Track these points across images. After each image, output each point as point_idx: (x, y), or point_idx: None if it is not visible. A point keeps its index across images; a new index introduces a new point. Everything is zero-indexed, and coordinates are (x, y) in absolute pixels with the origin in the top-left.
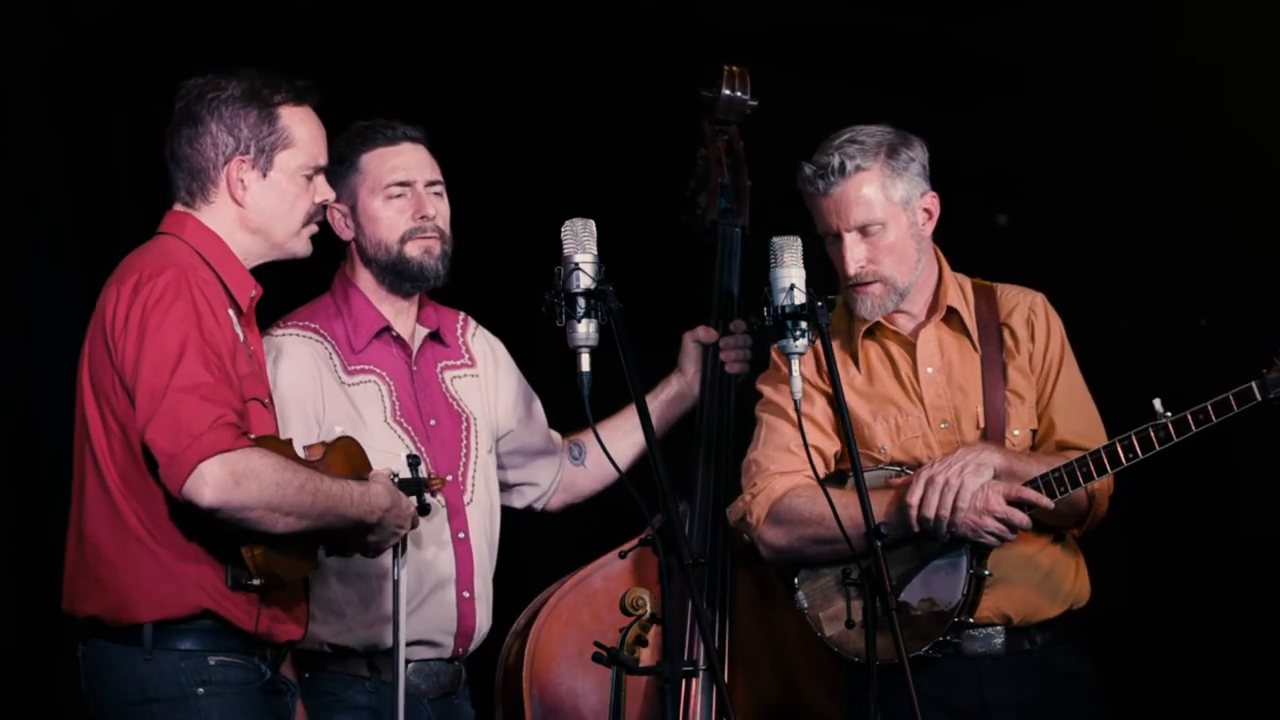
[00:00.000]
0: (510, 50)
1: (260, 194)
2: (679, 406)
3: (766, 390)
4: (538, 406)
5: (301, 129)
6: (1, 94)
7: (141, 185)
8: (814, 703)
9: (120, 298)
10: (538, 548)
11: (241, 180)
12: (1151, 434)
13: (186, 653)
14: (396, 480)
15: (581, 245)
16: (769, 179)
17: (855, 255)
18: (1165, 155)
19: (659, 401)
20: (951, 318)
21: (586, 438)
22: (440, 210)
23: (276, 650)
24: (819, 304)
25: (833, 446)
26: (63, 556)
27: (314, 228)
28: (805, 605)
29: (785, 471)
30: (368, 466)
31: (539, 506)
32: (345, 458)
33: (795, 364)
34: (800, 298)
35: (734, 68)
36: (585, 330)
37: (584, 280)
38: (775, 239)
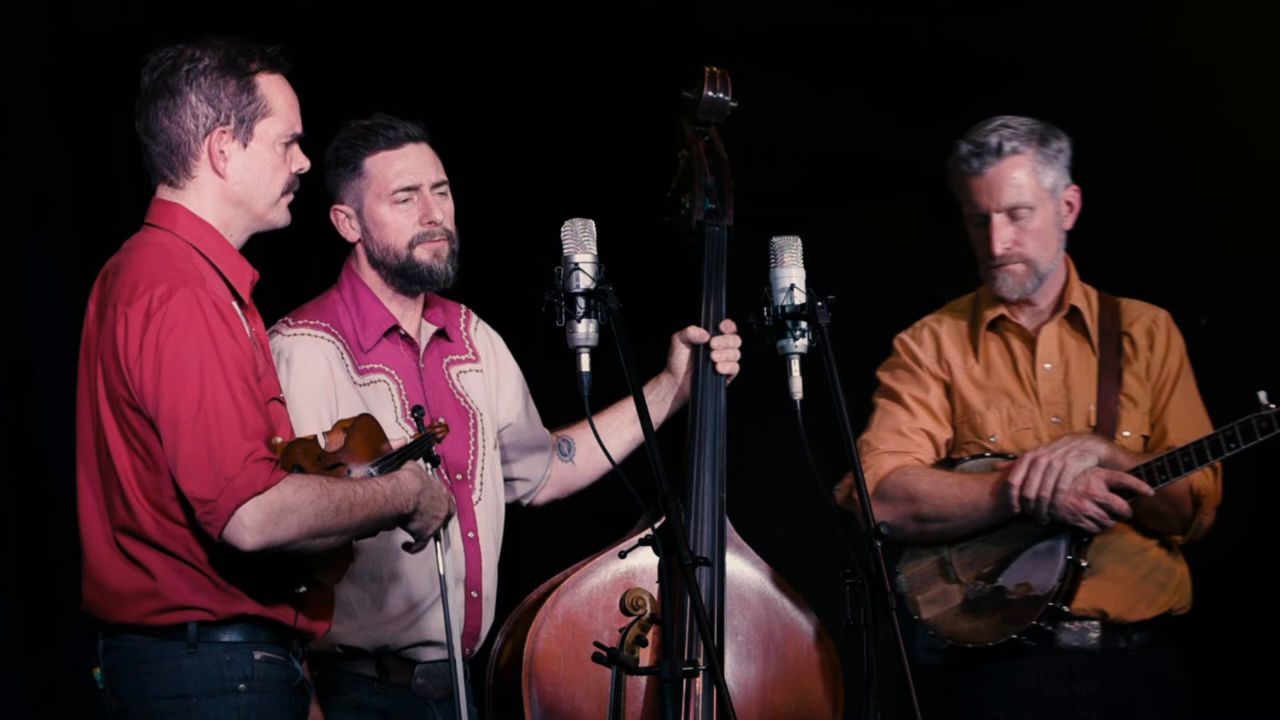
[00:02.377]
0: (506, 49)
1: (241, 164)
2: (669, 407)
3: (884, 377)
4: (532, 401)
5: (279, 97)
6: (2, 94)
7: (142, 185)
8: (816, 702)
9: (131, 324)
10: (534, 548)
11: (223, 151)
12: (1254, 425)
13: (230, 645)
14: (402, 450)
15: (581, 245)
16: (768, 178)
17: (1003, 236)
18: (1165, 154)
19: (648, 401)
20: (1074, 318)
21: (574, 433)
22: (446, 211)
23: (305, 646)
24: (819, 304)
25: (945, 434)
26: (65, 557)
27: (291, 197)
28: (905, 588)
29: (894, 451)
30: (384, 441)
31: (526, 501)
32: (364, 436)
33: (794, 364)
34: (800, 298)
35: (715, 69)
36: (585, 330)
37: (584, 280)
38: (775, 239)
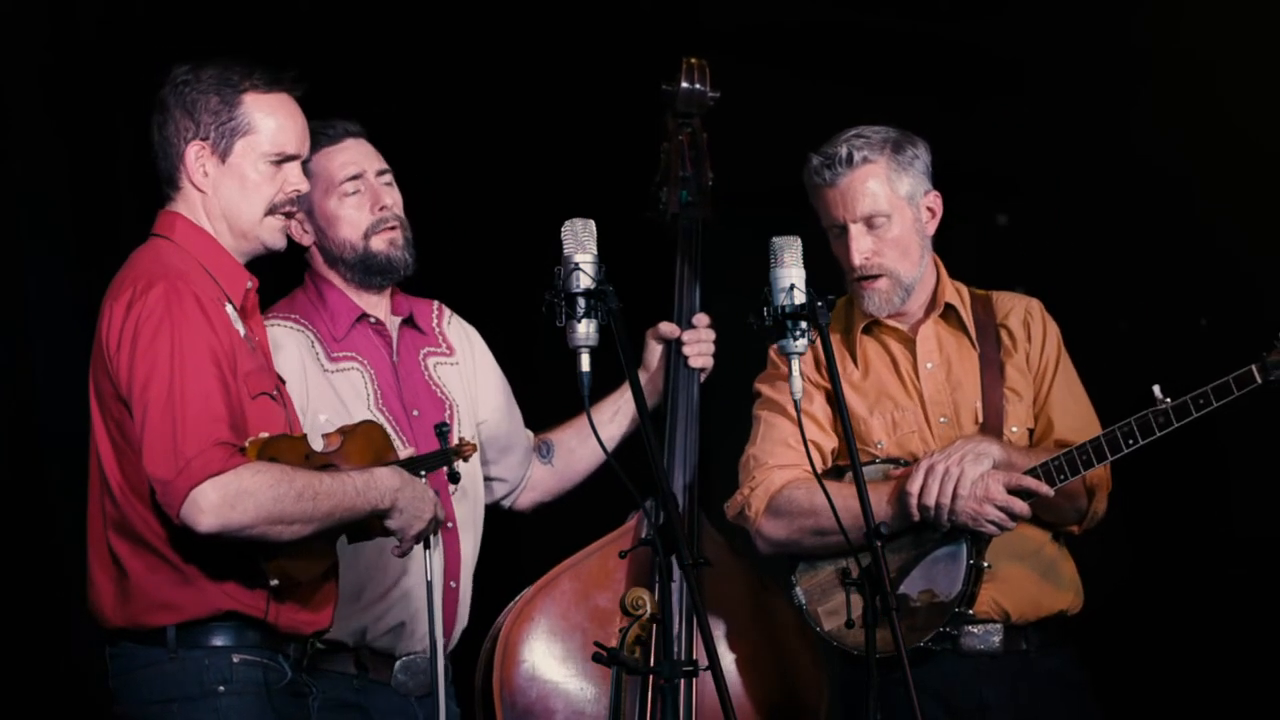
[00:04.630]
0: (505, 49)
1: (218, 180)
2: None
3: (764, 389)
4: (513, 400)
5: (266, 117)
6: (2, 94)
7: (142, 185)
8: (796, 696)
9: (114, 315)
10: (531, 548)
11: (202, 166)
12: (1152, 420)
13: (211, 649)
14: (418, 458)
15: (581, 245)
16: (767, 177)
17: (861, 247)
18: (1165, 154)
19: (624, 399)
20: (949, 315)
21: (554, 437)
22: (395, 199)
23: (301, 646)
24: (819, 304)
25: (831, 443)
26: (64, 557)
27: (283, 220)
28: (803, 601)
29: (784, 465)
30: (390, 450)
31: (507, 504)
32: (367, 443)
33: (795, 364)
34: (800, 298)
35: (693, 60)
36: (585, 330)
37: (584, 280)
38: (775, 239)
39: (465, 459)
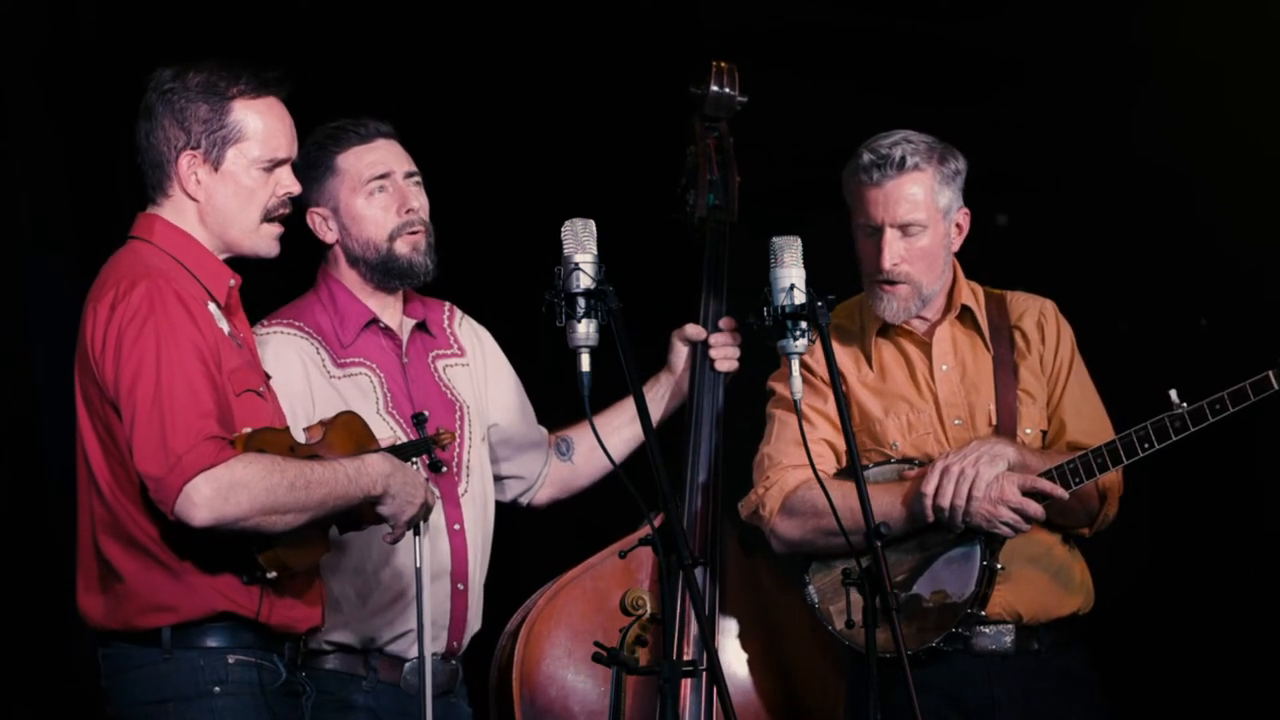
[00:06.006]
0: (506, 49)
1: (213, 188)
2: (667, 405)
3: (778, 388)
4: (526, 398)
5: (256, 122)
6: (2, 94)
7: (141, 185)
8: (812, 697)
9: (98, 318)
10: (534, 546)
11: (195, 175)
12: (1168, 424)
13: (206, 650)
14: (398, 446)
15: (581, 245)
16: (767, 177)
17: (893, 251)
18: (1166, 155)
19: (647, 400)
20: (965, 316)
21: (574, 433)
22: (423, 202)
23: (296, 644)
24: (819, 304)
25: (843, 443)
26: (63, 557)
27: (278, 226)
28: (816, 600)
29: (798, 465)
30: (371, 439)
31: (525, 501)
32: (347, 433)
33: (795, 364)
34: (800, 298)
35: (722, 64)
36: (585, 330)
37: (584, 280)
38: (775, 239)
39: (443, 447)
